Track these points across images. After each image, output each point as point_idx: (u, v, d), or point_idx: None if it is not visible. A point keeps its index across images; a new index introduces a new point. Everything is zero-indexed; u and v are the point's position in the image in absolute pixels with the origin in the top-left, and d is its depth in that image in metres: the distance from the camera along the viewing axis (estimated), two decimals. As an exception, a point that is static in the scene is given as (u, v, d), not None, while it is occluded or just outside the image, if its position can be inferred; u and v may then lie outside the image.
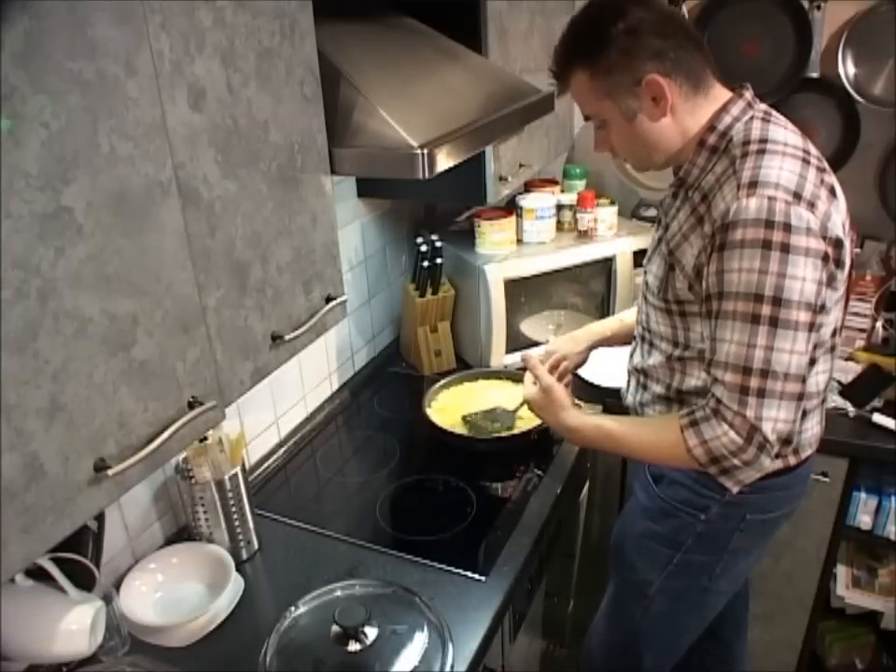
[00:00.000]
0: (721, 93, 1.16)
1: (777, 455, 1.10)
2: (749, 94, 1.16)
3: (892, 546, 1.84)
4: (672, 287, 1.18)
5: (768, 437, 1.06)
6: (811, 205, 1.03)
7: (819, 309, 1.05)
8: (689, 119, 1.15)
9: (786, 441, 1.09)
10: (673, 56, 1.10)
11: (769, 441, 1.06)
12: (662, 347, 1.27)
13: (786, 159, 1.06)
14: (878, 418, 1.74)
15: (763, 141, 1.09)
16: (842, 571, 1.96)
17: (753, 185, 1.04)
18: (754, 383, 1.05)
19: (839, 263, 1.08)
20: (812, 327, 1.05)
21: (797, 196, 1.03)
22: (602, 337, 1.57)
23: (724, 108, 1.14)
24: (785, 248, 1.01)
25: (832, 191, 1.09)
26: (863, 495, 1.80)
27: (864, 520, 1.82)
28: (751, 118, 1.13)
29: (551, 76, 1.21)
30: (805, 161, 1.08)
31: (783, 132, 1.12)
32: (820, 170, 1.09)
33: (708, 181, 1.12)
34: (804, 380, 1.07)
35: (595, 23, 1.13)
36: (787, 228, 1.01)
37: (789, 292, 1.01)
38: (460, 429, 1.65)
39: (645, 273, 1.31)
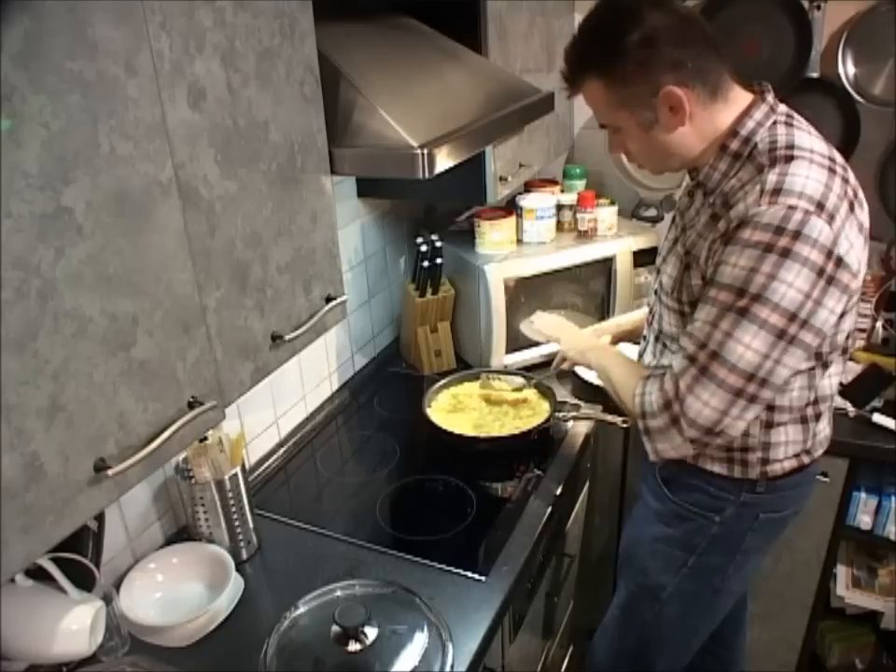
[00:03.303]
0: (740, 96, 1.14)
1: (694, 441, 1.11)
2: (770, 97, 1.14)
3: (892, 546, 1.84)
4: (687, 287, 1.18)
5: (687, 412, 1.08)
6: (831, 217, 1.02)
7: (801, 323, 1.03)
8: (708, 126, 1.13)
9: (709, 430, 1.10)
10: (691, 65, 1.07)
11: (686, 416, 1.09)
12: (673, 349, 1.26)
13: (812, 167, 1.05)
14: (878, 418, 1.74)
15: (791, 147, 1.07)
16: (842, 571, 1.96)
17: (777, 192, 1.03)
18: (702, 358, 1.08)
19: (833, 281, 1.03)
20: (783, 334, 1.03)
21: (820, 206, 1.01)
22: (627, 330, 1.65)
23: (747, 113, 1.12)
24: (785, 253, 1.00)
25: (851, 206, 1.07)
26: (863, 495, 1.80)
27: (864, 520, 1.82)
28: (774, 122, 1.12)
29: (562, 78, 1.18)
30: (832, 171, 1.06)
31: (808, 138, 1.11)
32: (845, 180, 1.08)
33: (732, 187, 1.11)
34: (752, 378, 1.06)
35: (609, 31, 1.09)
36: (796, 236, 1.00)
37: (771, 293, 1.02)
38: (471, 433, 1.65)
39: (658, 273, 1.32)
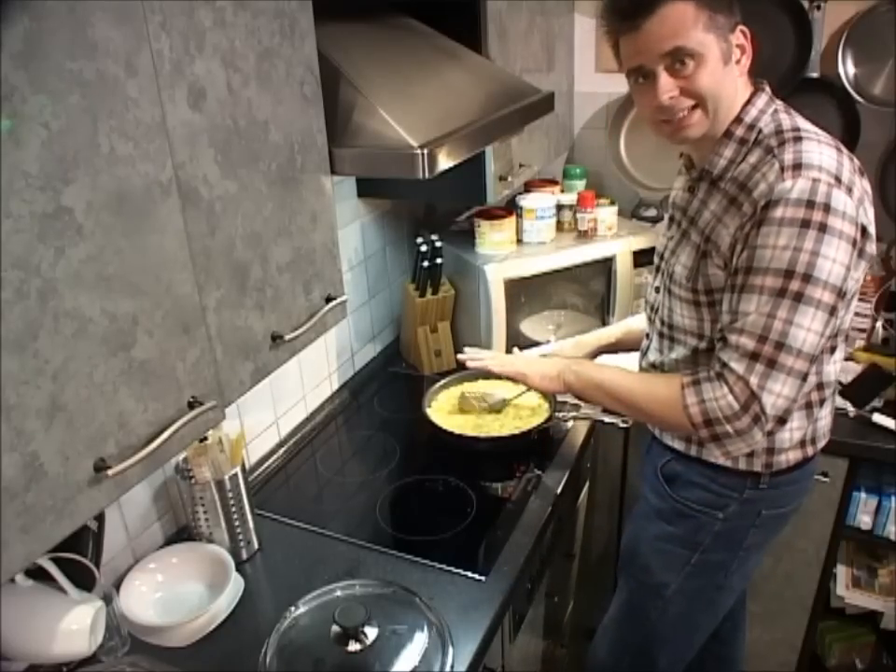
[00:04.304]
0: (744, 87, 1.17)
1: (770, 433, 1.12)
2: (768, 89, 1.18)
3: (892, 546, 1.84)
4: (703, 276, 1.18)
5: (766, 409, 1.08)
6: (849, 190, 1.06)
7: (841, 295, 1.07)
8: (739, 93, 1.15)
9: (780, 419, 1.10)
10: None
11: (765, 413, 1.08)
12: (686, 341, 1.26)
13: (822, 145, 1.09)
14: (878, 418, 1.74)
15: (796, 129, 1.12)
16: (842, 571, 1.96)
17: (798, 167, 1.05)
18: (767, 352, 1.06)
19: (861, 252, 1.10)
20: (833, 311, 1.06)
21: (838, 180, 1.05)
22: (608, 343, 1.61)
23: (750, 101, 1.16)
24: (822, 228, 1.03)
25: (862, 181, 1.12)
26: (863, 495, 1.80)
27: (864, 520, 1.82)
28: (775, 111, 1.16)
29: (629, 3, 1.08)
30: (839, 150, 1.11)
31: (809, 124, 1.15)
32: (850, 159, 1.12)
33: (743, 171, 1.13)
34: (812, 360, 1.08)
35: None
36: (826, 209, 1.03)
37: (819, 271, 1.03)
38: (460, 426, 1.64)
39: (659, 270, 1.32)
